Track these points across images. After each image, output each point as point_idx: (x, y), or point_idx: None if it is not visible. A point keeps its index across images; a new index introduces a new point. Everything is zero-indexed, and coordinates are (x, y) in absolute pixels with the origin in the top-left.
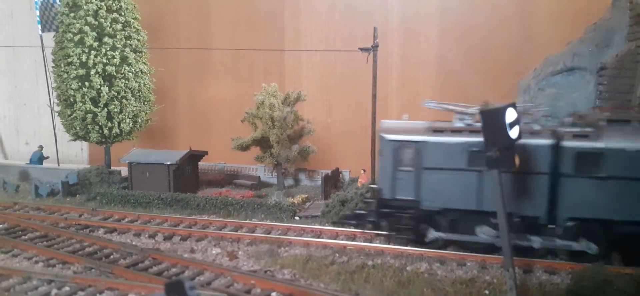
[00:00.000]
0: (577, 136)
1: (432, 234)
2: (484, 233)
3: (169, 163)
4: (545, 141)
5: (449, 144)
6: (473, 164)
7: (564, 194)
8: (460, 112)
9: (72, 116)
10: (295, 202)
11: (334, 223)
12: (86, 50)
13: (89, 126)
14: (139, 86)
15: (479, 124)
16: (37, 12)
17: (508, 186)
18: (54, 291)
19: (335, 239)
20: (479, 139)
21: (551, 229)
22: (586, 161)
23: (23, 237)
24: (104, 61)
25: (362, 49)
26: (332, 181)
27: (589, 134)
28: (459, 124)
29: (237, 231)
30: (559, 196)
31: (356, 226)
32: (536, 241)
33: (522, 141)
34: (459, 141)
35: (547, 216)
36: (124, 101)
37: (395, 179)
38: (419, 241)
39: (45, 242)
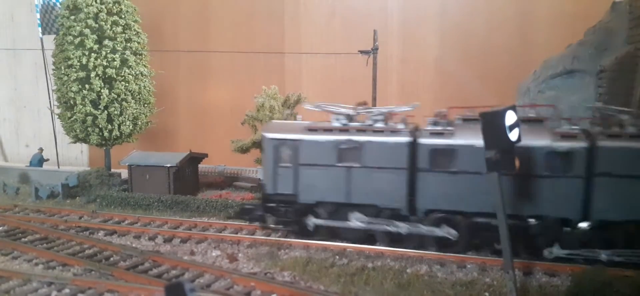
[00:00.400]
0: (433, 134)
1: (312, 221)
2: (356, 219)
3: (169, 165)
4: (403, 139)
5: (321, 142)
6: (342, 160)
7: (421, 188)
8: (335, 112)
9: (72, 119)
10: None
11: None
12: (86, 52)
13: (89, 129)
14: (139, 88)
15: (351, 124)
16: (38, 15)
17: (373, 181)
18: (54, 293)
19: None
20: (348, 137)
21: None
22: (440, 157)
23: (23, 239)
24: (104, 63)
25: (362, 52)
26: None
27: (443, 132)
28: (335, 124)
29: (237, 233)
30: (417, 190)
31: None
32: (403, 227)
33: (383, 139)
34: (329, 139)
35: (407, 208)
36: (124, 103)
37: (276, 175)
38: (303, 232)
39: (45, 244)
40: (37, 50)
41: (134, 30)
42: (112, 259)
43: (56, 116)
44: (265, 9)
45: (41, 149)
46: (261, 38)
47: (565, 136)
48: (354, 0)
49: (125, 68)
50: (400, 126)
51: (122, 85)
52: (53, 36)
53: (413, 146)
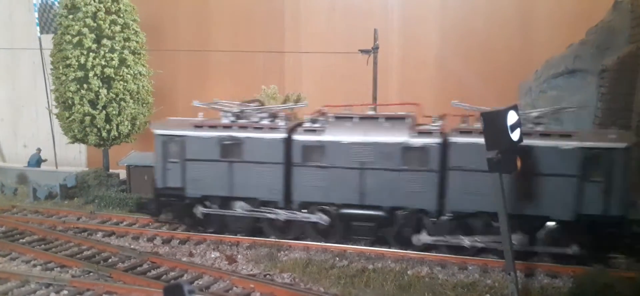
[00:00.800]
0: (306, 131)
1: (200, 210)
2: (241, 208)
3: None
4: (279, 135)
5: (205, 138)
6: (225, 155)
7: (296, 181)
8: (221, 109)
9: (70, 119)
10: None
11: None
12: (85, 52)
13: (87, 129)
14: (138, 88)
15: (238, 120)
16: (36, 14)
17: (253, 175)
18: (52, 294)
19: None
20: (229, 133)
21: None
22: (312, 153)
23: (21, 240)
24: (103, 63)
25: (362, 51)
26: None
27: (315, 129)
28: (225, 121)
29: (236, 234)
30: (292, 183)
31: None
32: (282, 215)
33: (262, 135)
34: (213, 135)
35: (283, 200)
36: (122, 103)
37: (166, 169)
38: (196, 224)
39: (43, 245)
40: (35, 49)
41: (133, 29)
42: (110, 260)
43: (54, 116)
44: (265, 8)
45: (39, 150)
46: (261, 37)
47: (422, 133)
48: None
49: (123, 68)
50: (281, 123)
51: (120, 85)
52: (51, 35)
53: (288, 142)
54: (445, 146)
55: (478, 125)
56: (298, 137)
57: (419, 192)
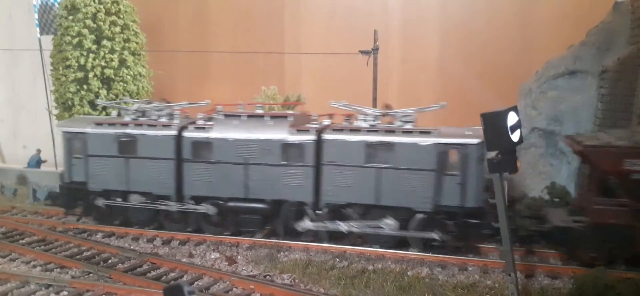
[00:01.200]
0: (196, 128)
1: (101, 202)
2: (135, 200)
3: None
4: (171, 132)
5: (104, 135)
6: (122, 151)
7: (186, 176)
8: (125, 108)
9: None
10: None
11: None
12: (84, 53)
13: None
14: (138, 89)
15: (140, 119)
16: (36, 15)
17: (148, 170)
18: (52, 295)
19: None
20: (125, 130)
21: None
22: (200, 149)
23: (21, 241)
24: (103, 64)
25: (362, 52)
26: None
27: (204, 126)
28: (127, 119)
29: (235, 235)
30: (183, 178)
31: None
32: (174, 205)
33: (155, 132)
34: (111, 132)
35: (175, 194)
36: (122, 104)
37: (71, 165)
38: (102, 216)
39: (43, 246)
40: (35, 50)
41: (133, 30)
42: (110, 261)
43: (54, 117)
44: (264, 9)
45: (39, 151)
46: (261, 38)
47: (300, 131)
48: (354, 0)
49: (123, 68)
50: (176, 121)
51: (120, 86)
52: (51, 36)
53: (179, 139)
54: (319, 143)
55: (346, 123)
56: (187, 134)
57: (298, 186)
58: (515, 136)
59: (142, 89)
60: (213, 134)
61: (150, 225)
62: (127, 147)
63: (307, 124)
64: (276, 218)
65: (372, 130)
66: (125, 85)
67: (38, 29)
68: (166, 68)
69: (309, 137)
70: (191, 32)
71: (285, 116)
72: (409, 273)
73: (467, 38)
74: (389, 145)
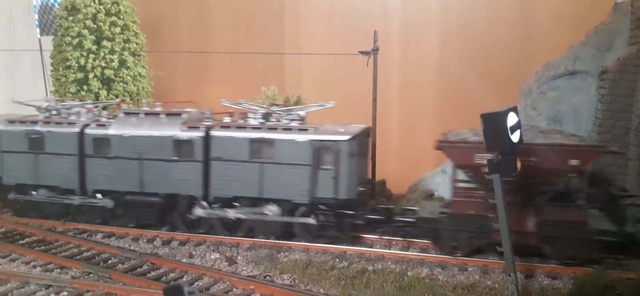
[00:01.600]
0: (97, 125)
1: (12, 196)
2: (41, 194)
3: None
4: (74, 130)
5: (16, 132)
6: (31, 148)
7: (89, 171)
8: (34, 106)
9: None
10: None
11: None
12: (85, 53)
13: None
14: (138, 89)
15: (50, 117)
16: (36, 16)
17: (55, 166)
18: (52, 295)
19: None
20: (34, 128)
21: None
22: (100, 145)
23: (21, 242)
24: (103, 64)
25: (362, 53)
26: None
27: (105, 124)
28: (39, 116)
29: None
30: (86, 173)
31: None
32: (76, 199)
33: (61, 129)
34: (21, 130)
35: (79, 188)
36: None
37: None
38: (20, 210)
39: (43, 246)
40: (35, 51)
41: (133, 31)
42: (110, 261)
43: None
44: (264, 9)
45: None
46: (261, 39)
47: (190, 127)
48: (354, 0)
49: (123, 69)
50: (83, 119)
51: (120, 86)
52: (51, 37)
53: (82, 135)
54: (207, 139)
55: (229, 119)
56: (89, 131)
57: (189, 180)
58: (515, 137)
59: (142, 89)
60: (111, 131)
61: (63, 218)
62: (36, 143)
63: (201, 121)
64: (173, 211)
65: (256, 127)
66: (125, 86)
67: (38, 30)
68: (166, 69)
69: (198, 134)
70: (191, 32)
71: (178, 114)
72: (409, 273)
73: (467, 38)
74: (270, 141)
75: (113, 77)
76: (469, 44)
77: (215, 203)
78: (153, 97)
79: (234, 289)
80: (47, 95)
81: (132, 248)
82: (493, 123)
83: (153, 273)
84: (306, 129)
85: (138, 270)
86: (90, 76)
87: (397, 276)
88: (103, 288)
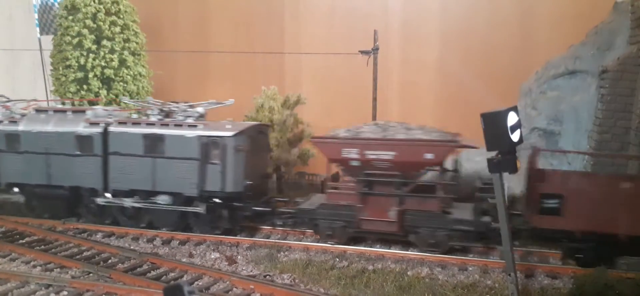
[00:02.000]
0: (9, 122)
1: None
2: None
3: None
4: None
5: None
6: None
7: (2, 165)
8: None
9: None
10: None
11: None
12: (84, 53)
13: None
14: (138, 89)
15: None
16: (36, 15)
17: None
18: (52, 295)
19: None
20: None
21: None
22: (12, 140)
23: (21, 241)
24: (103, 64)
25: (362, 52)
26: None
27: (17, 120)
28: None
29: (235, 235)
30: (0, 166)
31: None
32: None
33: None
34: None
35: None
36: (122, 104)
37: None
38: None
39: (43, 246)
40: (35, 50)
41: (133, 30)
42: (110, 261)
43: None
44: (264, 9)
45: None
46: (261, 38)
47: (92, 124)
48: (354, 0)
49: (123, 69)
50: None
51: (120, 86)
52: (51, 37)
53: None
54: (106, 135)
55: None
56: (1, 127)
57: (90, 173)
58: (515, 136)
59: (142, 89)
60: (20, 127)
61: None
62: None
63: (106, 118)
64: (79, 203)
65: (150, 123)
66: (125, 85)
67: (38, 29)
68: (166, 68)
69: (97, 130)
70: (191, 32)
71: (83, 111)
72: (409, 273)
73: (467, 38)
74: (162, 137)
75: (113, 77)
76: (469, 44)
77: (116, 195)
78: (153, 97)
79: (234, 288)
80: (47, 95)
81: (132, 247)
82: (493, 123)
83: (153, 273)
84: (196, 126)
85: (138, 269)
86: (90, 75)
87: (397, 276)
88: (103, 287)
